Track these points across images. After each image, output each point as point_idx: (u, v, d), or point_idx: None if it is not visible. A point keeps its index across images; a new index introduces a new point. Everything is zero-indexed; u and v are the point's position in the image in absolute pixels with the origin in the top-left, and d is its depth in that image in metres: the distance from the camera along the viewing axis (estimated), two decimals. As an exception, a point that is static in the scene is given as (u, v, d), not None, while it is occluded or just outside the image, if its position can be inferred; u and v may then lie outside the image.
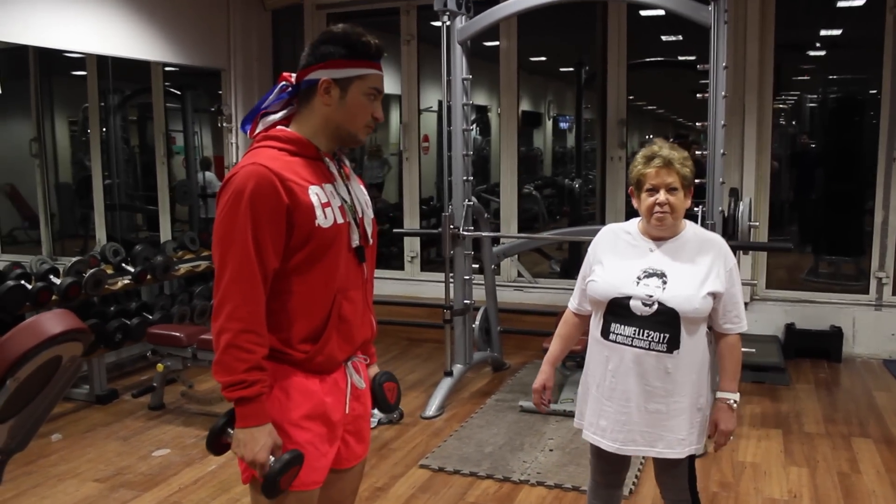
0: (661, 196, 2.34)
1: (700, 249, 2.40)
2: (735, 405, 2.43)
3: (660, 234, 2.41)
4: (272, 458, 1.80)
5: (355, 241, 1.94)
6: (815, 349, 5.76)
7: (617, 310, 2.38)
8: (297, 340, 1.88)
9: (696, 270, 2.36)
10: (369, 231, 2.01)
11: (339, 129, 1.90)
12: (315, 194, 1.85)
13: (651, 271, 2.37)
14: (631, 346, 2.36)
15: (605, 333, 2.42)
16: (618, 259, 2.44)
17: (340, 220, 1.89)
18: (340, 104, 1.87)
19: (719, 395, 2.44)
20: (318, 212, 1.84)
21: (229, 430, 1.84)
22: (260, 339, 1.79)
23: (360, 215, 1.98)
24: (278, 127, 1.92)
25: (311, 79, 1.87)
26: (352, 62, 1.86)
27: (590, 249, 2.56)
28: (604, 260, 2.47)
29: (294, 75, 1.93)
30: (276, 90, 1.93)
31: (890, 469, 3.88)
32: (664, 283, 2.34)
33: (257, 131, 1.94)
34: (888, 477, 3.79)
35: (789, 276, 7.20)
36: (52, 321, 2.10)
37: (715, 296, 2.36)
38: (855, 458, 4.02)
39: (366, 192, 2.06)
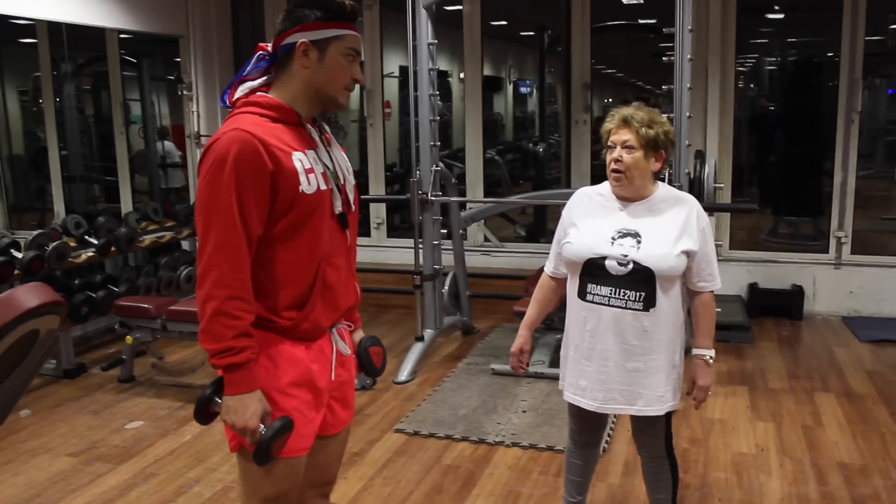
0: (616, 152, 2.39)
1: (673, 209, 2.43)
2: (711, 361, 2.48)
3: (627, 194, 2.44)
4: (262, 426, 1.80)
5: (338, 208, 1.94)
6: (777, 308, 5.90)
7: (593, 270, 2.42)
8: (282, 308, 1.88)
9: (669, 229, 2.40)
10: (351, 197, 2.00)
11: (319, 93, 1.88)
12: (298, 160, 1.83)
13: (625, 231, 2.40)
14: (608, 305, 2.40)
15: (582, 294, 2.45)
16: (592, 220, 2.47)
17: (324, 187, 1.88)
18: (319, 66, 1.85)
19: (695, 351, 2.50)
20: (302, 178, 1.83)
21: (216, 399, 1.83)
22: (247, 306, 1.78)
23: (342, 182, 1.97)
24: (258, 93, 1.89)
25: (287, 43, 1.85)
26: (328, 24, 1.84)
27: (564, 213, 2.59)
28: (578, 222, 2.50)
29: (270, 44, 1.91)
30: (253, 59, 1.91)
31: (851, 421, 4.01)
32: (638, 242, 2.38)
33: (236, 97, 1.91)
34: (849, 429, 3.92)
35: (750, 236, 7.34)
36: (28, 294, 2.06)
37: (689, 254, 2.40)
38: (818, 412, 4.14)
39: (346, 159, 2.04)
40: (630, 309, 2.38)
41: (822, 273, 5.96)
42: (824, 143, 6.62)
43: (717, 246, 5.75)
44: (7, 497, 3.40)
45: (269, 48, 1.90)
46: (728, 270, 6.01)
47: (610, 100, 16.07)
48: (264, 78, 1.91)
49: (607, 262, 2.38)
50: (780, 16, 8.56)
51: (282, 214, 1.83)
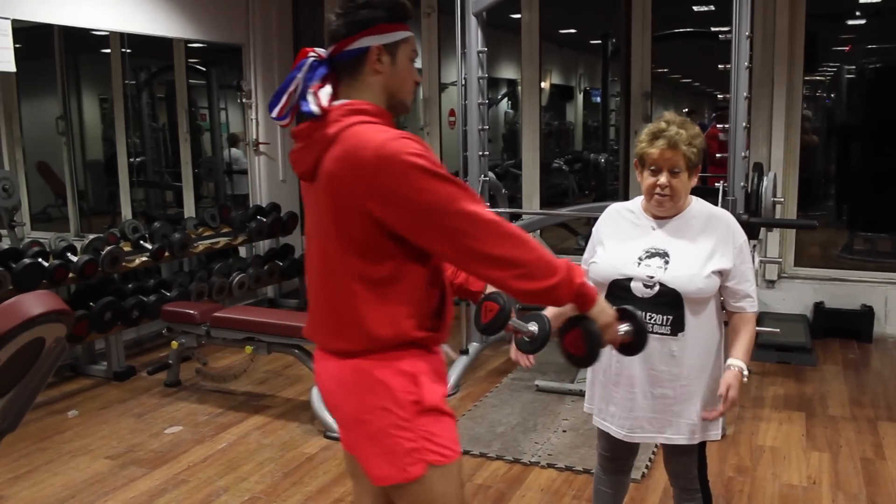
0: (663, 179, 2.22)
1: (706, 226, 2.28)
2: (745, 375, 2.27)
3: (662, 213, 2.31)
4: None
5: None
6: (844, 329, 5.57)
7: (618, 292, 2.28)
8: (436, 315, 1.84)
9: (700, 248, 2.25)
10: None
11: (392, 98, 1.81)
12: None
13: (653, 251, 2.27)
14: None
15: None
16: (620, 240, 2.34)
17: None
18: (392, 71, 1.78)
19: (730, 361, 2.28)
20: None
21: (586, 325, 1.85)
22: None
23: None
24: (354, 100, 1.77)
25: (357, 48, 1.75)
26: (395, 25, 1.77)
27: (594, 230, 2.47)
28: (605, 241, 2.38)
29: (317, 49, 1.80)
30: (304, 67, 1.77)
31: (916, 455, 3.75)
32: (666, 262, 2.24)
33: (334, 103, 1.75)
34: (913, 463, 3.66)
35: (823, 252, 7.01)
36: (32, 302, 2.06)
37: (722, 274, 2.24)
38: (880, 444, 3.88)
39: None
40: (657, 333, 2.23)
41: (895, 293, 5.61)
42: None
43: (777, 263, 5.52)
44: (43, 497, 3.46)
45: (323, 54, 1.79)
46: (792, 288, 5.75)
47: (686, 109, 15.71)
48: (329, 86, 1.78)
49: (633, 284, 2.25)
50: (862, 21, 8.20)
51: None
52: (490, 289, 2.03)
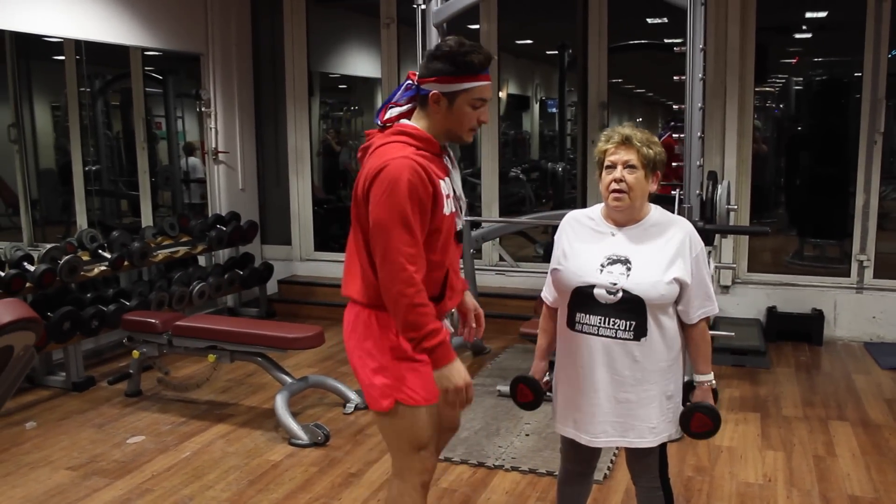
0: (618, 172, 2.30)
1: (665, 233, 2.34)
2: (714, 385, 2.41)
3: (621, 218, 2.36)
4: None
5: (459, 226, 2.34)
6: (796, 332, 5.75)
7: (581, 299, 2.34)
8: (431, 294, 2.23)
9: (661, 255, 2.31)
10: (463, 215, 2.39)
11: (449, 132, 2.24)
12: (444, 186, 2.22)
13: (615, 258, 2.32)
14: (597, 335, 2.31)
15: (571, 324, 2.37)
16: (581, 246, 2.39)
17: (454, 209, 2.29)
18: (448, 113, 2.19)
19: (698, 378, 2.39)
20: (445, 201, 2.22)
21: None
22: (426, 295, 2.14)
23: (461, 202, 2.35)
24: (407, 122, 2.23)
25: (425, 89, 2.20)
26: (458, 78, 2.16)
27: (556, 239, 2.52)
28: (567, 249, 2.42)
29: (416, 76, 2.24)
30: (403, 87, 2.25)
31: (865, 452, 3.88)
32: (628, 269, 2.29)
33: (386, 117, 2.26)
34: (863, 459, 3.79)
35: (774, 258, 7.19)
36: (1, 311, 2.07)
37: (681, 282, 2.31)
38: (831, 442, 4.02)
39: (460, 178, 2.39)
40: (620, 339, 2.30)
41: (844, 297, 5.80)
42: (851, 164, 6.47)
43: (731, 269, 5.67)
44: (3, 510, 3.42)
45: (417, 80, 2.22)
46: (746, 293, 5.90)
47: (640, 119, 15.96)
48: (409, 105, 2.26)
49: (596, 291, 2.30)
50: (808, 35, 8.44)
51: (431, 231, 2.20)
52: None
